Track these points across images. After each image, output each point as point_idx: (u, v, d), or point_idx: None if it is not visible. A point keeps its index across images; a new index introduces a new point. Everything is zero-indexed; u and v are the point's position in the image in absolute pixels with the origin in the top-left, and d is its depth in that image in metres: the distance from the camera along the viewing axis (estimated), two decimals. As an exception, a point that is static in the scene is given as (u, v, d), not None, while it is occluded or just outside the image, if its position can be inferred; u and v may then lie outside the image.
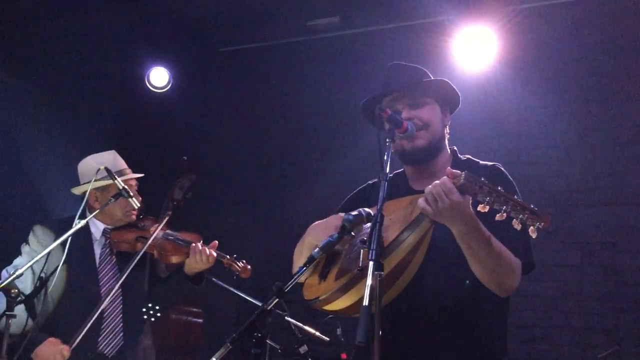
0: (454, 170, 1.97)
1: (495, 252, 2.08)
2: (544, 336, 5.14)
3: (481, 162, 2.48)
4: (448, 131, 2.51)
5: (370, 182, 2.63)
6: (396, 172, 2.51)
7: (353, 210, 2.17)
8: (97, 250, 3.35)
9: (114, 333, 3.20)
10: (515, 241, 2.16)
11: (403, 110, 2.37)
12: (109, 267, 3.33)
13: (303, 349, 4.00)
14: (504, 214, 1.89)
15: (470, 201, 1.98)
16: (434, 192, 1.96)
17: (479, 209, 1.93)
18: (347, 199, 2.63)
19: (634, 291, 4.93)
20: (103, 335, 3.17)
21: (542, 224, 1.88)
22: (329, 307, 2.15)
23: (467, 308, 2.23)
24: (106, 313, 3.19)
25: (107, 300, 3.09)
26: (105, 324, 3.19)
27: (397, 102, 2.41)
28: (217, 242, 3.34)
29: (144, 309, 3.27)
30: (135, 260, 3.11)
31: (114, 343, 3.19)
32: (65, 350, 2.92)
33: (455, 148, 2.53)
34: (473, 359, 2.25)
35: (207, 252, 3.21)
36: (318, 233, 2.29)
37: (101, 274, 3.29)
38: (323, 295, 2.13)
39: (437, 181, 1.97)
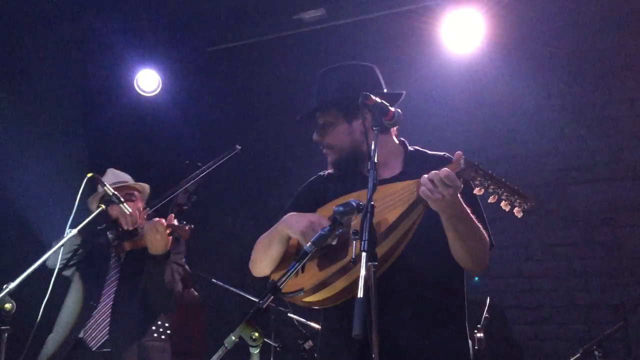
0: (459, 152, 2.08)
1: (477, 232, 2.22)
2: (550, 316, 5.12)
3: (429, 152, 2.56)
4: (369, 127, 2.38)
5: (321, 173, 2.66)
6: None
7: (307, 205, 2.35)
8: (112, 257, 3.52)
9: (99, 328, 3.28)
10: (482, 220, 2.30)
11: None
12: (114, 270, 3.47)
13: (308, 344, 4.00)
14: (496, 197, 2.04)
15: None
16: (436, 180, 2.02)
17: (475, 191, 2.05)
18: (298, 195, 2.63)
19: (636, 265, 4.91)
20: (89, 327, 3.27)
21: (529, 204, 2.03)
22: (310, 299, 2.16)
23: (446, 288, 2.33)
24: (98, 309, 3.31)
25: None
26: (93, 319, 3.28)
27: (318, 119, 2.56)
28: (172, 215, 3.36)
29: (153, 327, 3.31)
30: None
31: (98, 337, 3.26)
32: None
33: (403, 139, 2.59)
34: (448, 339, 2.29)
35: (155, 220, 3.23)
36: (294, 222, 2.27)
37: (107, 276, 3.44)
38: (307, 286, 2.13)
39: (438, 171, 2.03)
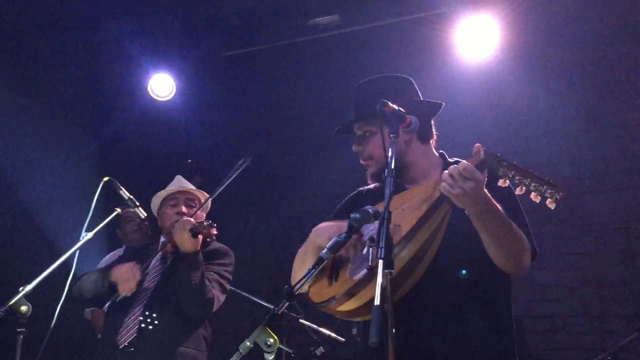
0: (477, 145, 2.03)
1: (511, 229, 2.12)
2: (562, 326, 5.08)
3: None
4: (414, 139, 2.46)
5: (361, 189, 2.64)
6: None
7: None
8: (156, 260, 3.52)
9: (130, 327, 3.26)
10: (520, 223, 2.21)
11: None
12: (154, 271, 3.45)
13: (319, 350, 3.99)
14: (523, 188, 1.95)
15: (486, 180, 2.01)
16: (455, 174, 1.99)
17: (499, 183, 1.98)
18: (337, 211, 2.60)
19: (651, 275, 4.87)
20: (122, 327, 3.26)
21: (561, 194, 1.94)
22: (343, 308, 2.13)
23: (483, 292, 2.25)
24: (133, 309, 3.30)
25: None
26: (127, 317, 3.28)
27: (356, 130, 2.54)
28: (203, 214, 3.45)
29: (140, 318, 3.26)
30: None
31: (127, 336, 3.24)
32: (137, 269, 3.24)
33: (443, 152, 2.56)
34: (491, 344, 2.22)
35: (182, 219, 3.30)
36: (325, 231, 2.28)
37: (147, 278, 3.43)
38: (338, 294, 2.11)
39: (457, 165, 2.00)
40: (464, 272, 2.22)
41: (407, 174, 2.44)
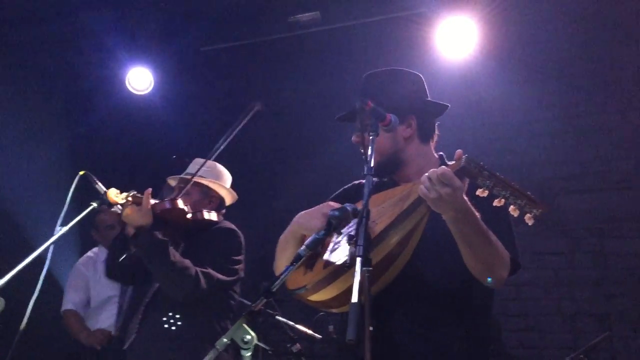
0: (459, 151, 1.99)
1: (487, 238, 2.08)
2: (535, 324, 5.15)
3: None
4: (414, 136, 2.43)
5: (356, 182, 2.62)
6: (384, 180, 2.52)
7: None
8: None
9: (117, 316, 3.35)
10: (504, 235, 2.18)
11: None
12: None
13: (296, 347, 3.99)
14: (502, 200, 1.91)
15: (466, 187, 1.98)
16: (433, 178, 1.96)
17: (477, 193, 1.93)
18: (331, 199, 2.56)
19: (623, 276, 4.94)
20: (129, 328, 3.34)
21: (540, 210, 1.90)
22: (314, 297, 2.13)
23: (457, 298, 2.24)
24: (139, 310, 3.32)
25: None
26: (135, 318, 3.33)
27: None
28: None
29: (164, 318, 3.20)
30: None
31: (130, 335, 3.28)
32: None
33: (442, 154, 2.51)
34: (461, 349, 2.22)
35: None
36: (305, 220, 2.29)
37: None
38: (310, 284, 2.12)
39: (436, 169, 1.98)
40: (457, 273, 2.17)
41: (402, 172, 2.42)
